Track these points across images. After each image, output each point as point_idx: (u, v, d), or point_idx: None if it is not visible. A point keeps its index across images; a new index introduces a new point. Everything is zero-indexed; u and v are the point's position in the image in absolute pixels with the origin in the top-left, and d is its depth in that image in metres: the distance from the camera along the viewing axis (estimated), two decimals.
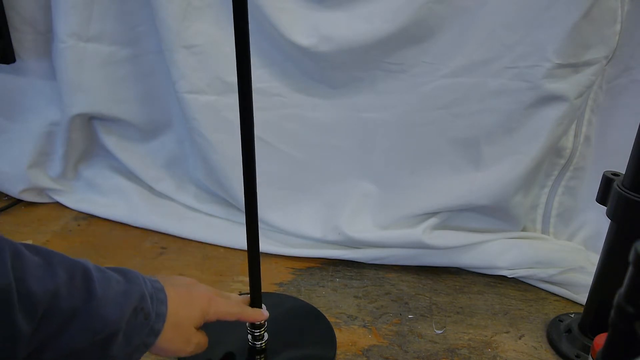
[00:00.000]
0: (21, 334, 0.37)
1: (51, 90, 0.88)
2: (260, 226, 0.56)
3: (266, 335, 0.61)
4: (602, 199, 0.60)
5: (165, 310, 0.48)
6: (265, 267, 0.77)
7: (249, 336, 0.60)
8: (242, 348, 0.62)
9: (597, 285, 0.62)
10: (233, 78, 0.47)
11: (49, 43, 0.85)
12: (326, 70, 0.77)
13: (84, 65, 0.83)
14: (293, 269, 0.80)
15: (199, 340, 0.52)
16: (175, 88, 0.79)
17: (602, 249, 0.61)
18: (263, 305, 0.60)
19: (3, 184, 0.93)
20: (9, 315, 0.36)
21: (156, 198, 0.92)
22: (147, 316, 0.46)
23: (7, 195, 0.94)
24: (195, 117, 0.80)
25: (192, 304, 0.51)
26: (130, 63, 0.85)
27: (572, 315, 0.70)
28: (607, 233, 0.60)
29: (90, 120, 0.90)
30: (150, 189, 0.93)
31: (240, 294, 0.61)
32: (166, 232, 0.87)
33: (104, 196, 0.93)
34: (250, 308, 0.58)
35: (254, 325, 0.59)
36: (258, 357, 0.61)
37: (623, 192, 0.55)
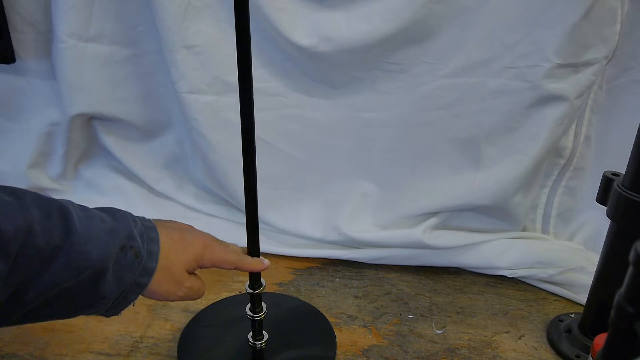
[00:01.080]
0: None
1: (51, 90, 0.88)
2: (260, 226, 0.56)
3: (266, 335, 0.61)
4: (602, 199, 0.60)
5: (157, 248, 0.46)
6: None
7: (249, 336, 0.60)
8: (242, 348, 0.62)
9: (597, 285, 0.62)
10: (233, 78, 0.47)
11: (49, 43, 0.85)
12: (326, 70, 0.77)
13: (84, 65, 0.83)
14: (293, 269, 0.80)
15: (192, 285, 0.50)
16: (175, 88, 0.79)
17: (602, 249, 0.61)
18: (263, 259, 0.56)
19: (3, 183, 0.93)
20: None
21: (156, 198, 0.92)
22: (137, 254, 0.44)
23: None
24: (195, 117, 0.80)
25: (186, 248, 0.49)
26: (131, 63, 0.85)
27: (572, 315, 0.70)
28: (607, 233, 0.60)
29: (90, 120, 0.90)
30: (150, 189, 0.93)
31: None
32: None
33: (103, 196, 0.93)
34: (249, 257, 0.55)
35: (252, 281, 0.56)
36: (258, 357, 0.61)
37: (623, 192, 0.55)
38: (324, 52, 0.74)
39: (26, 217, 0.38)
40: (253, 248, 0.56)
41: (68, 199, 1.00)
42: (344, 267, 0.80)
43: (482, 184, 0.75)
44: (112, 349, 0.63)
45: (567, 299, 0.74)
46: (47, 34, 0.85)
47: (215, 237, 0.54)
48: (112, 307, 0.45)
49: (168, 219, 0.86)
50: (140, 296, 0.47)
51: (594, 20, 0.66)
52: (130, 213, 0.47)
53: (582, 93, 0.70)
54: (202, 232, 0.53)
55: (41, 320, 0.43)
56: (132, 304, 0.47)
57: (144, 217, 0.49)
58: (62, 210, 0.41)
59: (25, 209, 0.39)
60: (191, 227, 0.53)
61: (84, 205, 0.44)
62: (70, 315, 0.44)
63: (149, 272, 0.45)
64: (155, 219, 0.50)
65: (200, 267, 0.50)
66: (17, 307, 0.40)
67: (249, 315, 0.58)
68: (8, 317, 0.40)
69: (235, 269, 0.53)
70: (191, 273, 0.50)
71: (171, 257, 0.47)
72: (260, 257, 0.55)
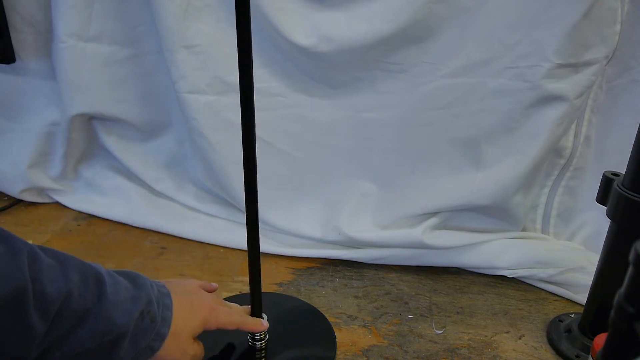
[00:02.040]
0: (35, 333, 0.38)
1: (51, 90, 0.88)
2: (260, 226, 0.56)
3: (266, 335, 0.61)
4: (602, 199, 0.60)
5: (170, 315, 0.49)
6: (265, 267, 0.77)
7: (249, 336, 0.60)
8: (242, 348, 0.62)
9: (597, 285, 0.62)
10: (233, 78, 0.48)
11: (49, 43, 0.85)
12: (326, 70, 0.77)
13: (84, 65, 0.83)
14: (293, 269, 0.80)
15: (196, 352, 0.52)
16: (175, 88, 0.79)
17: (602, 249, 0.61)
18: (264, 315, 0.60)
19: (3, 184, 0.93)
20: (25, 315, 0.37)
21: (156, 198, 0.92)
22: (153, 319, 0.47)
23: (7, 195, 0.94)
24: (195, 117, 0.80)
25: (194, 313, 0.52)
26: (131, 63, 0.85)
27: (572, 315, 0.70)
28: (607, 233, 0.60)
29: (90, 120, 0.90)
30: (150, 189, 0.93)
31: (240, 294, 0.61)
32: (166, 232, 0.87)
33: (104, 196, 0.93)
34: (251, 318, 0.58)
35: (254, 334, 0.60)
36: (258, 357, 0.61)
37: (623, 192, 0.55)
38: (324, 52, 0.74)
39: (67, 281, 0.41)
40: (253, 248, 0.56)
41: (68, 198, 1.00)
42: (344, 267, 0.80)
43: (482, 184, 0.75)
44: None
45: (567, 299, 0.74)
46: (47, 34, 0.85)
47: (219, 299, 0.57)
48: None
49: (168, 218, 0.87)
50: None
51: (594, 20, 0.66)
52: (147, 278, 0.50)
53: (582, 93, 0.70)
54: (207, 295, 0.56)
55: None
56: None
57: (158, 282, 0.51)
58: (98, 277, 0.44)
59: (67, 273, 0.41)
60: (198, 288, 0.56)
61: (109, 270, 0.47)
62: None
63: (161, 337, 0.48)
64: (166, 281, 0.53)
65: (206, 329, 0.53)
66: None
67: (250, 342, 0.60)
68: None
69: (237, 329, 0.56)
70: (195, 339, 0.53)
71: (180, 324, 0.50)
72: (261, 319, 0.59)
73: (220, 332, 0.55)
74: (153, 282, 0.50)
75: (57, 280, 0.40)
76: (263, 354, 0.61)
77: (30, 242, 0.77)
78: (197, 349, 0.53)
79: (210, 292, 0.59)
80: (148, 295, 0.47)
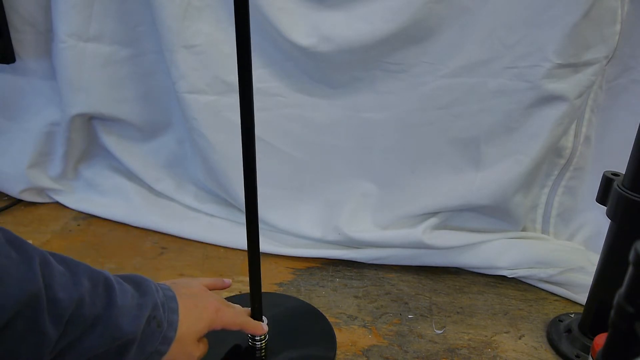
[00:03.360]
0: (48, 339, 0.38)
1: (51, 90, 0.88)
2: (260, 226, 0.56)
3: (266, 335, 0.61)
4: (602, 199, 0.59)
5: (177, 318, 0.49)
6: (265, 267, 0.77)
7: (249, 336, 0.60)
8: (242, 348, 0.62)
9: (597, 285, 0.62)
10: (233, 78, 0.47)
11: (49, 43, 0.85)
12: (326, 70, 0.77)
13: (84, 65, 0.83)
14: (293, 269, 0.80)
15: (201, 353, 0.53)
16: (175, 88, 0.79)
17: (602, 249, 0.61)
18: (264, 318, 0.60)
19: (3, 184, 0.93)
20: (39, 321, 0.38)
21: (156, 198, 0.92)
22: (159, 324, 0.47)
23: (7, 195, 0.94)
24: (195, 117, 0.80)
25: (199, 315, 0.52)
26: (131, 63, 0.85)
27: (572, 315, 0.69)
28: (607, 233, 0.60)
29: (90, 120, 0.90)
30: (150, 189, 0.93)
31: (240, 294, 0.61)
32: (166, 232, 0.87)
33: (104, 196, 0.93)
34: (252, 320, 0.59)
35: (254, 336, 0.61)
36: (258, 357, 0.61)
37: (623, 192, 0.55)
38: (324, 52, 0.74)
39: (78, 288, 0.41)
40: (253, 248, 0.56)
41: (68, 198, 1.00)
42: (344, 267, 0.80)
43: (482, 184, 0.75)
44: None
45: (567, 299, 0.74)
46: (47, 34, 0.85)
47: (224, 299, 0.57)
48: None
49: (168, 218, 0.87)
50: None
51: (594, 20, 0.66)
52: (152, 282, 0.50)
53: (582, 93, 0.70)
54: (212, 295, 0.56)
55: None
56: None
57: (164, 285, 0.51)
58: (108, 283, 0.44)
59: (78, 279, 0.42)
60: (203, 290, 0.56)
61: (116, 276, 0.47)
62: None
63: (168, 341, 0.48)
64: (171, 282, 0.54)
65: (210, 330, 0.53)
66: None
67: (250, 342, 0.60)
68: None
69: (239, 329, 0.57)
70: (199, 340, 0.53)
71: (185, 327, 0.50)
72: (261, 323, 0.60)
73: (220, 332, 0.55)
74: (158, 285, 0.50)
75: (69, 286, 0.40)
76: (263, 354, 0.61)
77: (29, 242, 0.77)
78: (203, 349, 0.54)
79: (223, 288, 0.61)
80: (154, 300, 0.47)
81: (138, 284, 0.48)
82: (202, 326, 0.52)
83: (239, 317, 0.57)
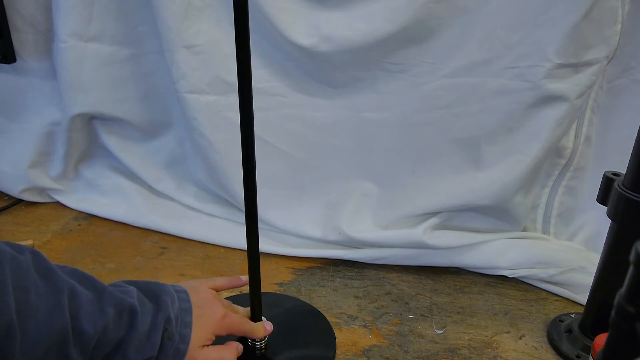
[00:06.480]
0: None
1: (51, 90, 0.88)
2: (260, 226, 0.56)
3: (266, 336, 0.61)
4: (602, 199, 0.59)
5: (189, 332, 0.51)
6: (265, 267, 0.77)
7: (249, 338, 0.60)
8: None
9: (598, 285, 0.62)
10: (233, 78, 0.47)
11: (50, 43, 0.85)
12: (326, 70, 0.77)
13: (85, 65, 0.83)
14: (293, 269, 0.80)
15: (203, 357, 0.53)
16: (176, 88, 0.79)
17: (603, 249, 0.61)
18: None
19: (3, 183, 0.93)
20: (66, 352, 0.41)
21: (156, 198, 0.92)
22: (170, 337, 0.49)
23: (7, 195, 0.94)
24: (196, 117, 0.80)
25: (206, 325, 0.53)
26: (131, 63, 0.85)
27: (573, 316, 0.69)
28: (608, 233, 0.60)
29: (90, 120, 0.90)
30: (151, 189, 0.93)
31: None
32: (166, 232, 0.87)
33: (104, 196, 0.93)
34: (258, 326, 0.59)
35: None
36: (258, 357, 0.61)
37: (623, 192, 0.55)
38: (324, 52, 0.74)
39: (103, 316, 0.44)
40: (253, 248, 0.56)
41: (68, 198, 1.00)
42: (345, 267, 0.80)
43: (483, 184, 0.75)
44: None
45: (567, 299, 0.74)
46: (47, 34, 0.85)
47: (230, 303, 0.59)
48: None
49: (168, 218, 0.87)
50: None
51: (595, 20, 0.66)
52: (172, 292, 0.51)
53: (582, 93, 0.70)
54: (219, 301, 0.57)
55: None
56: None
57: (183, 296, 0.53)
58: (132, 309, 0.46)
59: (103, 308, 0.44)
60: (212, 294, 0.56)
61: (139, 292, 0.49)
62: None
63: (181, 354, 0.50)
64: (184, 284, 0.55)
65: (216, 335, 0.55)
66: None
67: (250, 342, 0.60)
68: None
69: (244, 335, 0.59)
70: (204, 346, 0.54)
71: (194, 339, 0.51)
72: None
73: None
74: (177, 295, 0.52)
75: (94, 315, 0.43)
76: (263, 354, 0.61)
77: (30, 242, 0.77)
78: (205, 352, 0.54)
79: (240, 286, 0.63)
80: (167, 314, 0.49)
81: (156, 296, 0.49)
82: (209, 337, 0.53)
83: (244, 324, 0.58)
